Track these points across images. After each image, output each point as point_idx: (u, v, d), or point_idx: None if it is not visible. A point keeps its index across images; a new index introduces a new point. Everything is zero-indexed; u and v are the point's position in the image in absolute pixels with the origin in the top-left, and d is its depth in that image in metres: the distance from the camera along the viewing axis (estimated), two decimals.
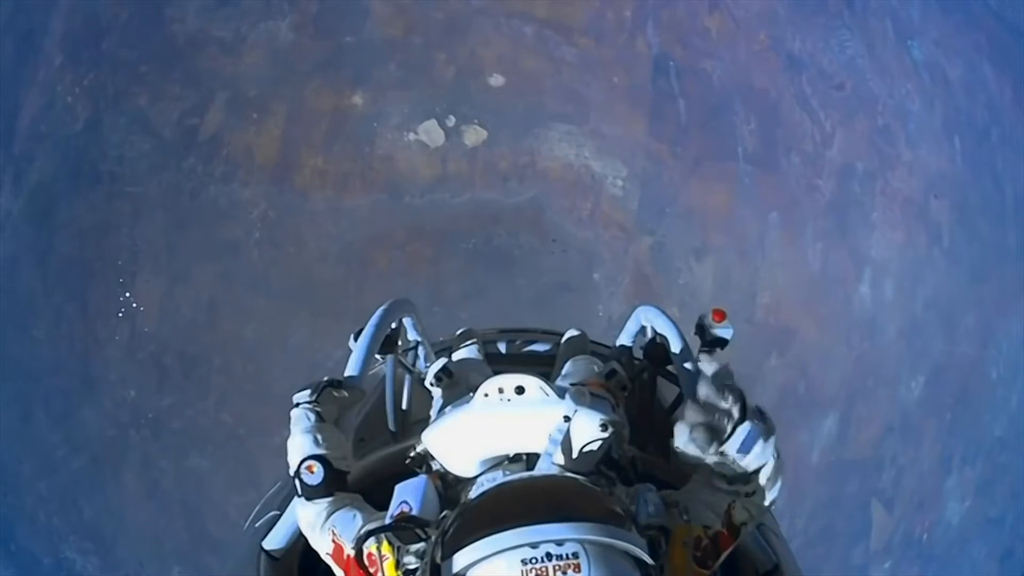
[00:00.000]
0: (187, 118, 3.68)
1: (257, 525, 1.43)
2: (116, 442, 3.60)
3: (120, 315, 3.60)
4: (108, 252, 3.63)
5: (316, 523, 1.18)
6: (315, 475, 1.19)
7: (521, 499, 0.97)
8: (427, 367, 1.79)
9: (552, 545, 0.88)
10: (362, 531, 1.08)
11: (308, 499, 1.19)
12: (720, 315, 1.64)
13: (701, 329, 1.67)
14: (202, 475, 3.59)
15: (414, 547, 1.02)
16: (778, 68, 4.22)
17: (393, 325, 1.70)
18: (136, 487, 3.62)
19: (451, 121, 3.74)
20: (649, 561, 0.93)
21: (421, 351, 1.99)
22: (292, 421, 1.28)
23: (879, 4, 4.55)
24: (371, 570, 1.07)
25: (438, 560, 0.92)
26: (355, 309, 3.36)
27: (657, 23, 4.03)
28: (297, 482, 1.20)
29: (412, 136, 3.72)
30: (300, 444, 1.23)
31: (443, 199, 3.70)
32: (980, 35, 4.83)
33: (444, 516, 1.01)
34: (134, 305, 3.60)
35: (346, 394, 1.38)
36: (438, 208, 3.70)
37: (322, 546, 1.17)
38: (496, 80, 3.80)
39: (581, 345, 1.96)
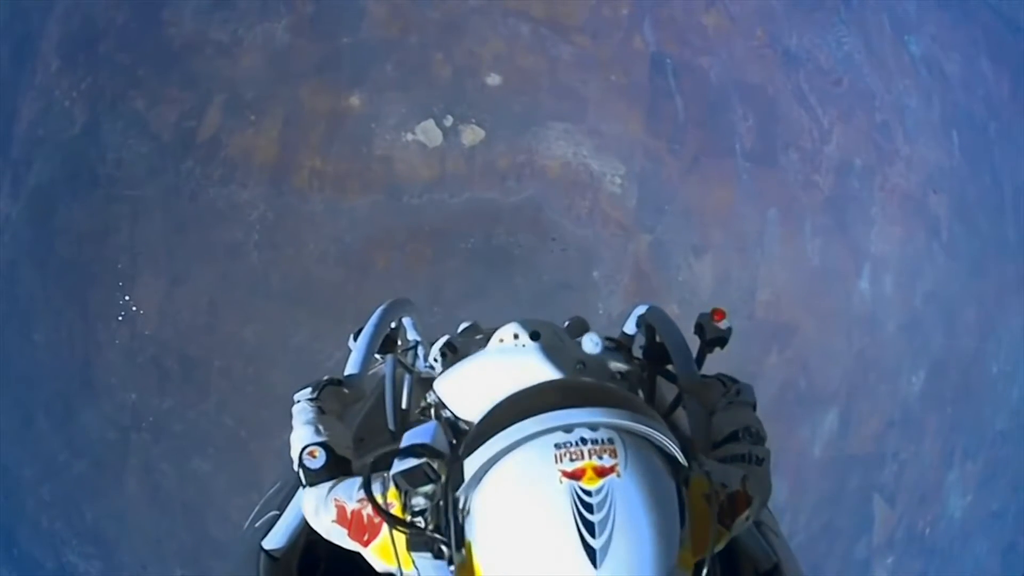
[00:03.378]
0: (185, 120, 3.67)
1: (257, 525, 1.43)
2: (117, 445, 3.60)
3: (120, 318, 3.60)
4: (107, 255, 3.62)
5: (319, 503, 1.14)
6: (317, 459, 1.17)
7: (549, 391, 0.93)
8: (427, 367, 1.80)
9: (586, 430, 0.83)
10: (370, 458, 1.03)
11: (311, 484, 1.17)
12: (720, 315, 1.64)
13: (701, 328, 1.67)
14: (204, 477, 3.59)
15: (423, 489, 0.95)
16: (775, 64, 4.22)
17: (393, 325, 1.71)
18: (138, 490, 3.62)
19: (449, 121, 3.73)
20: (684, 462, 0.88)
21: (420, 351, 1.99)
22: (294, 416, 1.27)
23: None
24: (375, 520, 1.03)
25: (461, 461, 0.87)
26: (355, 310, 3.35)
27: (654, 21, 4.03)
28: (300, 470, 1.18)
29: (410, 136, 3.71)
30: (302, 435, 1.22)
31: (442, 199, 3.70)
32: (977, 29, 4.83)
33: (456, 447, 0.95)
34: (134, 308, 3.60)
35: (347, 391, 1.38)
36: (437, 208, 3.69)
37: (326, 518, 1.13)
38: (493, 79, 3.79)
39: (582, 326, 1.96)
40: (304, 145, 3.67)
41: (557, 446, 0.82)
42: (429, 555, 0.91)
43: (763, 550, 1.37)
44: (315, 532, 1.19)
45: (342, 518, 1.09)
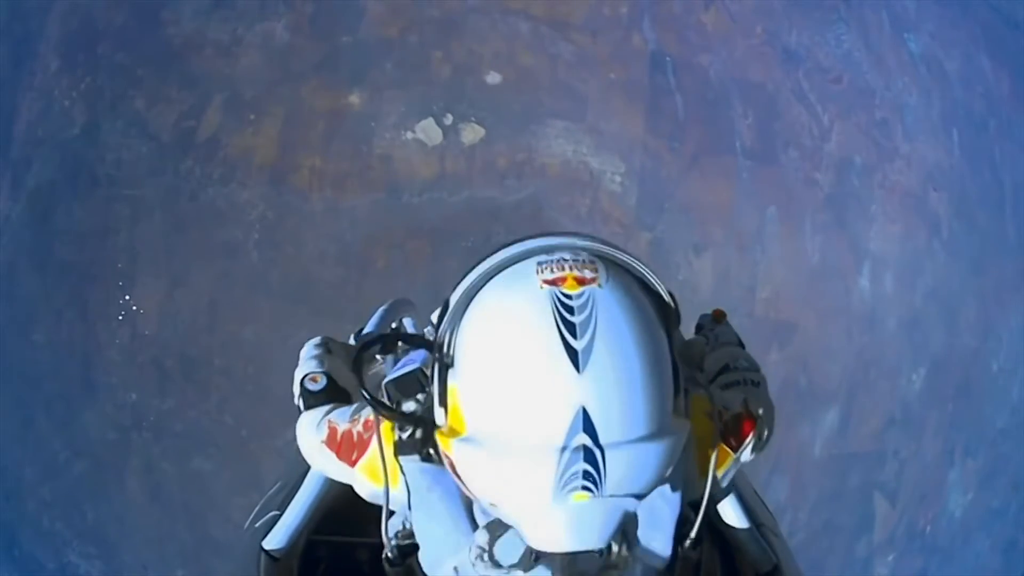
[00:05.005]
0: (184, 120, 3.67)
1: (257, 525, 1.43)
2: (118, 446, 3.60)
3: (120, 318, 3.60)
4: (107, 255, 3.62)
5: (312, 425, 1.13)
6: (318, 384, 1.18)
7: (528, 237, 0.96)
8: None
9: (567, 252, 0.85)
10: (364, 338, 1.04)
11: (309, 408, 1.17)
12: (720, 315, 1.65)
13: (702, 329, 1.67)
14: (205, 477, 3.59)
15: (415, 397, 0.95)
16: (775, 62, 4.22)
17: (393, 325, 1.71)
18: (139, 490, 3.62)
19: (448, 119, 3.73)
20: (671, 302, 0.88)
21: None
22: (301, 354, 1.29)
23: None
24: (365, 436, 1.03)
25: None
26: (355, 309, 3.36)
27: (653, 19, 4.03)
28: (300, 395, 1.19)
29: (410, 135, 3.71)
30: (306, 366, 1.24)
31: (441, 197, 3.70)
32: (976, 27, 4.82)
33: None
34: (134, 308, 3.60)
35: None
36: (436, 207, 3.69)
37: (316, 439, 1.12)
38: (493, 78, 3.79)
39: None
40: (304, 144, 3.67)
41: (539, 263, 0.83)
42: (417, 458, 0.90)
43: (763, 551, 1.37)
44: (316, 532, 1.19)
45: (332, 439, 1.09)
